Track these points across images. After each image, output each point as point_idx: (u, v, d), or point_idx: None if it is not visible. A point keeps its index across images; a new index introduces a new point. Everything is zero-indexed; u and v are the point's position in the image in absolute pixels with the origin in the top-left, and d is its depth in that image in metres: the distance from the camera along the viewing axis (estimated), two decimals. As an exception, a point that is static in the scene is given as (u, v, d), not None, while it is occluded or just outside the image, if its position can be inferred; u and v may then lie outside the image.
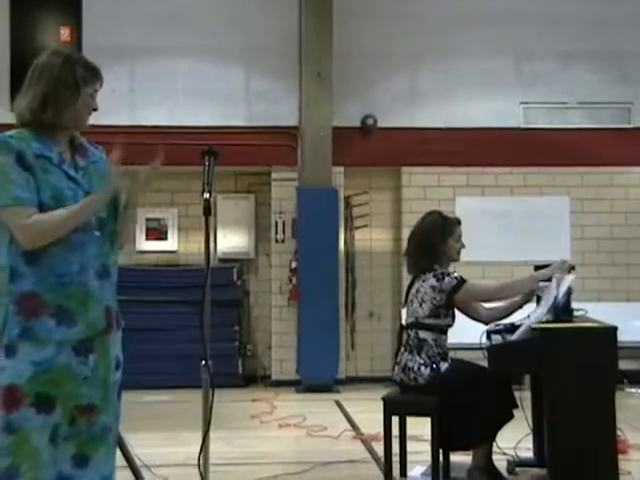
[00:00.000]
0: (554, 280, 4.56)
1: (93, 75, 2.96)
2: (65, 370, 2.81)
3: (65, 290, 2.81)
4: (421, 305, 4.82)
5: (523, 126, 9.62)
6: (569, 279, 4.59)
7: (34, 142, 2.86)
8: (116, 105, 8.64)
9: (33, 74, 2.95)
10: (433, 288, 4.79)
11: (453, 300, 4.81)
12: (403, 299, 5.14)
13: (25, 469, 2.75)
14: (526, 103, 9.63)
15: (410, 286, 4.99)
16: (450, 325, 4.88)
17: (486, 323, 4.98)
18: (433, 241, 4.91)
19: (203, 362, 2.82)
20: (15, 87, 4.15)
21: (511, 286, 4.94)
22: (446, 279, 4.79)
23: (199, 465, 2.91)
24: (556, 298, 4.46)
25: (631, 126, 9.62)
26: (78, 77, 2.90)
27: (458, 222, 5.03)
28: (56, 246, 2.81)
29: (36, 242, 2.78)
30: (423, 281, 4.85)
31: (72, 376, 2.82)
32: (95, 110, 2.98)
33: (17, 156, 2.80)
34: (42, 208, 2.80)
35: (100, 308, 2.89)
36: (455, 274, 4.84)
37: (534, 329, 4.44)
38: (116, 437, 3.02)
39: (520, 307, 4.94)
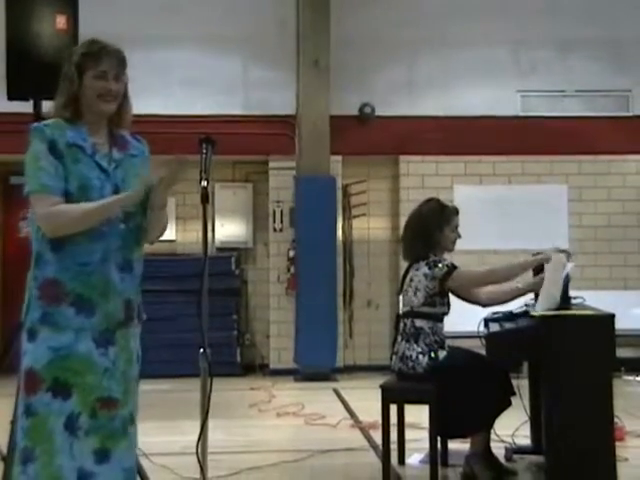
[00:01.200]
0: (551, 266, 4.57)
1: (92, 58, 2.93)
2: (86, 360, 2.83)
3: (86, 279, 2.83)
4: (415, 294, 4.82)
5: (521, 114, 9.61)
6: (568, 267, 4.59)
7: (69, 131, 2.89)
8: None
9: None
10: (426, 276, 4.79)
11: (445, 287, 4.81)
12: (399, 287, 5.14)
13: (39, 453, 2.78)
14: (524, 91, 9.61)
15: (405, 274, 4.99)
16: (446, 313, 4.88)
17: (484, 306, 4.99)
18: (429, 228, 4.89)
19: (201, 350, 2.82)
20: (11, 76, 4.14)
21: (500, 270, 4.92)
22: (437, 267, 4.79)
23: (197, 453, 2.91)
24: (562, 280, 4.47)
25: (629, 114, 9.61)
26: (74, 63, 2.92)
27: (456, 211, 5.01)
28: (80, 235, 2.83)
29: (56, 231, 2.81)
30: (417, 269, 4.85)
31: (93, 367, 2.84)
32: (111, 90, 2.93)
33: (50, 144, 2.84)
34: (68, 197, 2.82)
35: (120, 300, 2.90)
36: (446, 261, 4.82)
37: (532, 317, 4.45)
38: (136, 430, 3.03)
39: (522, 294, 4.95)
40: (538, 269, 4.91)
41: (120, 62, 2.98)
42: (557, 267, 4.59)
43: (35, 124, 2.93)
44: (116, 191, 2.85)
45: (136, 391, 3.02)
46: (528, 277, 5.10)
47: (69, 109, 2.91)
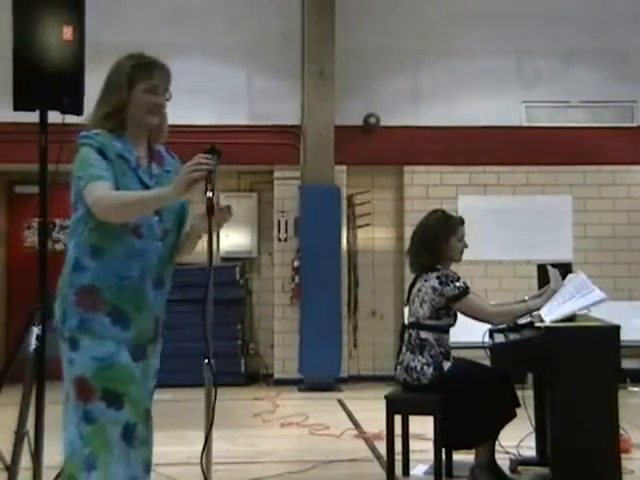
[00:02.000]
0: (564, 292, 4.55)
1: (144, 71, 2.93)
2: (128, 371, 2.84)
3: (123, 292, 2.83)
4: (422, 305, 4.80)
5: (525, 125, 9.62)
6: (593, 296, 4.50)
7: (115, 142, 2.88)
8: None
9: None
10: (434, 290, 4.75)
11: (452, 306, 4.78)
12: (405, 298, 5.12)
13: (100, 462, 2.77)
14: (528, 102, 9.62)
15: (412, 285, 4.97)
16: (451, 325, 4.86)
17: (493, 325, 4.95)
18: (436, 240, 4.87)
19: (206, 360, 2.82)
20: (18, 87, 4.15)
21: (508, 313, 4.84)
22: (449, 286, 4.72)
23: (202, 464, 2.91)
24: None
25: (633, 124, 9.61)
26: (125, 74, 2.90)
27: (462, 222, 5.00)
28: (120, 248, 2.82)
29: (106, 214, 2.76)
30: (425, 280, 4.82)
31: (135, 379, 2.85)
32: (161, 106, 2.96)
33: (99, 151, 2.83)
34: None
35: (151, 317, 2.93)
36: (459, 283, 4.73)
37: (537, 328, 4.44)
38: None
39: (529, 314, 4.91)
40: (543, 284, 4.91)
41: (169, 77, 3.00)
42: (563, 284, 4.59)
43: (83, 132, 2.90)
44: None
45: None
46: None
47: (113, 120, 2.89)
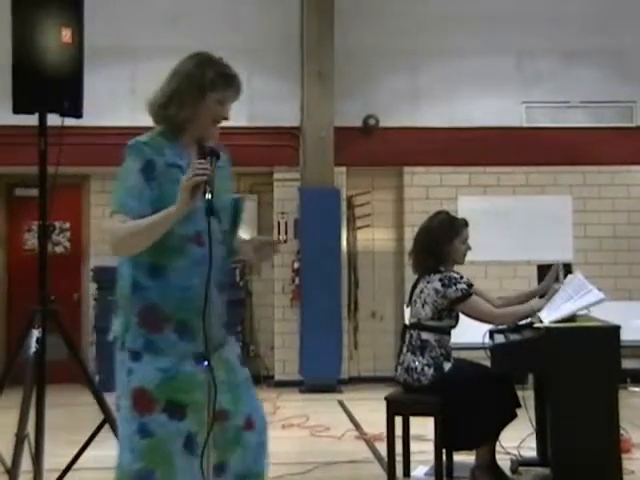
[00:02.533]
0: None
1: (225, 82, 2.86)
2: (192, 378, 2.78)
3: (187, 304, 2.76)
4: (423, 306, 4.79)
5: (525, 125, 9.63)
6: (591, 297, 4.49)
7: (167, 149, 2.80)
8: (117, 106, 8.66)
9: (169, 75, 2.92)
10: (437, 292, 4.74)
11: (455, 308, 4.77)
12: (407, 298, 5.11)
13: (159, 476, 2.72)
14: (528, 102, 9.63)
15: (414, 286, 4.96)
16: (453, 326, 4.85)
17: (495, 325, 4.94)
18: (439, 242, 4.84)
19: (205, 363, 2.81)
20: (17, 89, 4.15)
21: (511, 315, 4.83)
22: (452, 288, 4.71)
23: (202, 468, 2.90)
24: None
25: (633, 125, 9.62)
26: (206, 79, 2.83)
27: (465, 224, 4.98)
28: (181, 260, 2.75)
29: (115, 249, 2.70)
30: (428, 282, 4.80)
31: (199, 384, 2.79)
32: (225, 119, 2.87)
33: (146, 164, 2.74)
34: None
35: (218, 322, 2.88)
36: (462, 285, 4.72)
37: (537, 328, 4.44)
38: (260, 437, 2.96)
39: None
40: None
41: (239, 92, 2.94)
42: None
43: (134, 140, 2.81)
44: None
45: (250, 393, 3.00)
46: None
47: (173, 122, 2.82)
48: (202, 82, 2.84)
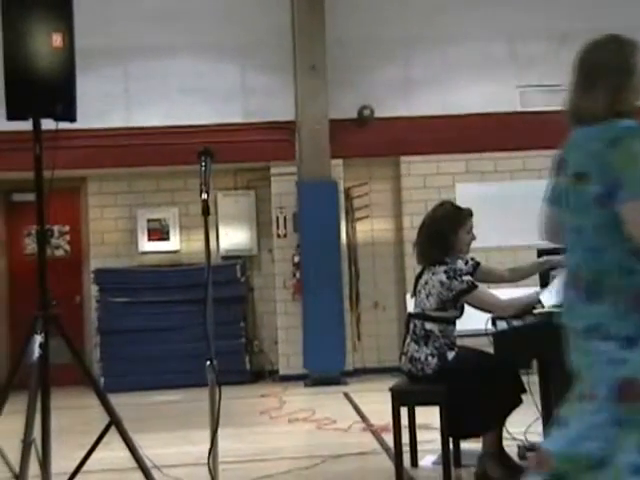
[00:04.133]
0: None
1: None
2: None
3: None
4: (428, 297, 4.78)
5: (520, 109, 9.61)
6: None
7: None
8: (110, 107, 8.65)
9: (589, 68, 3.00)
10: (442, 284, 4.72)
11: (460, 300, 4.77)
12: (412, 288, 5.09)
13: None
14: (522, 86, 9.61)
15: (419, 276, 4.94)
16: (457, 317, 4.83)
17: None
18: (444, 232, 4.82)
19: (208, 362, 2.82)
20: (10, 96, 4.14)
21: (518, 303, 4.83)
22: (457, 280, 4.68)
23: (209, 465, 2.92)
24: None
25: (628, 105, 9.58)
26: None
27: (470, 213, 4.96)
28: None
29: None
30: (433, 274, 4.78)
31: None
32: None
33: None
34: None
35: None
36: (467, 277, 4.71)
37: (539, 313, 4.43)
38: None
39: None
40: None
41: None
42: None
43: (632, 124, 2.76)
44: None
45: None
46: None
47: (624, 102, 2.82)
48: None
